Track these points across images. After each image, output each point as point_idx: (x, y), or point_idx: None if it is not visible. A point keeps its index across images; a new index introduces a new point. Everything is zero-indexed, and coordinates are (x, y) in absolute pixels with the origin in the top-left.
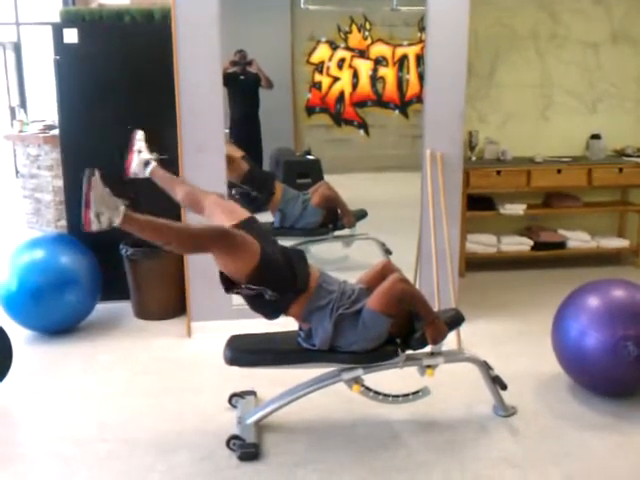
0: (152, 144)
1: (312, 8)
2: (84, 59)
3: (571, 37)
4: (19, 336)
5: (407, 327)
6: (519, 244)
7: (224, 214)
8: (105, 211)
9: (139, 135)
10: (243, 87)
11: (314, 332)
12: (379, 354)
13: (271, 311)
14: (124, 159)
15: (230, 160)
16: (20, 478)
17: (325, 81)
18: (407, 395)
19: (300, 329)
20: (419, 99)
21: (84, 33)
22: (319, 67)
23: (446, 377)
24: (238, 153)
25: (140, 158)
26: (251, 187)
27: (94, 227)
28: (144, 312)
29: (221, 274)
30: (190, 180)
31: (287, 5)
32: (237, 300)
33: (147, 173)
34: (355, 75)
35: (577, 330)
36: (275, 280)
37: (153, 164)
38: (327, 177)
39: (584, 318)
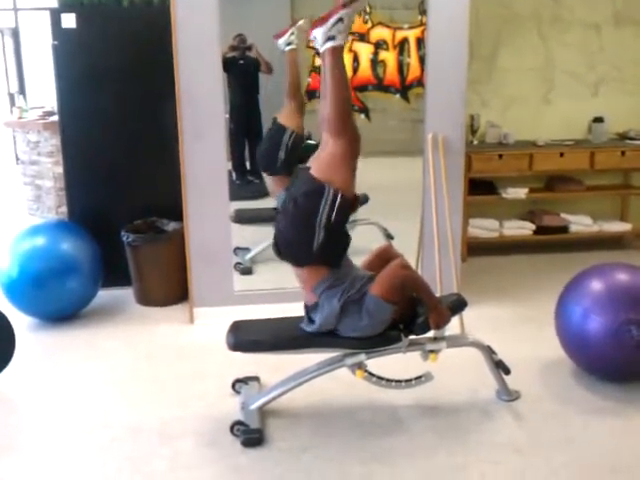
0: (151, 129)
1: None
2: (82, 44)
3: (573, 19)
4: (21, 323)
5: (410, 312)
6: (521, 228)
7: None
8: (346, 23)
9: (360, 6)
10: (243, 72)
11: (320, 307)
12: (382, 339)
13: (298, 253)
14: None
15: (299, 102)
16: (23, 465)
17: None
18: (410, 380)
19: (306, 302)
20: (420, 83)
21: (82, 18)
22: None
23: (449, 362)
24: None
25: (336, 27)
26: (289, 148)
27: (324, 28)
28: (146, 298)
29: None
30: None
31: None
32: (240, 286)
33: (325, 47)
34: (355, 59)
35: (580, 314)
36: (336, 229)
37: (340, 42)
38: None
39: (587, 302)
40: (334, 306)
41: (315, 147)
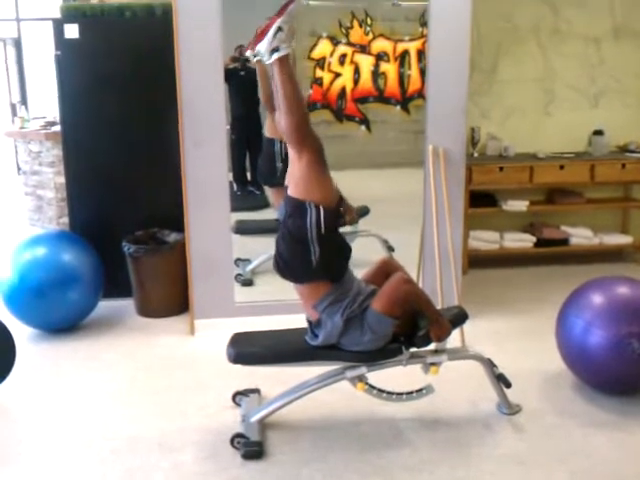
0: (153, 140)
1: (313, 3)
2: (85, 54)
3: (573, 32)
4: (21, 334)
5: (411, 325)
6: (522, 241)
7: None
8: (286, 31)
9: (297, 6)
10: (243, 83)
11: (323, 324)
12: (383, 352)
13: (297, 270)
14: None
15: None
16: (23, 477)
17: (326, 77)
18: (411, 393)
19: (308, 320)
20: (420, 95)
21: (85, 28)
22: (320, 63)
23: (450, 375)
24: None
25: (277, 37)
26: (285, 158)
27: (264, 42)
28: (147, 310)
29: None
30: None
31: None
32: (240, 297)
33: (272, 59)
34: (356, 71)
35: (581, 327)
36: (330, 239)
37: (285, 52)
38: None
39: (588, 315)
40: (336, 322)
41: None
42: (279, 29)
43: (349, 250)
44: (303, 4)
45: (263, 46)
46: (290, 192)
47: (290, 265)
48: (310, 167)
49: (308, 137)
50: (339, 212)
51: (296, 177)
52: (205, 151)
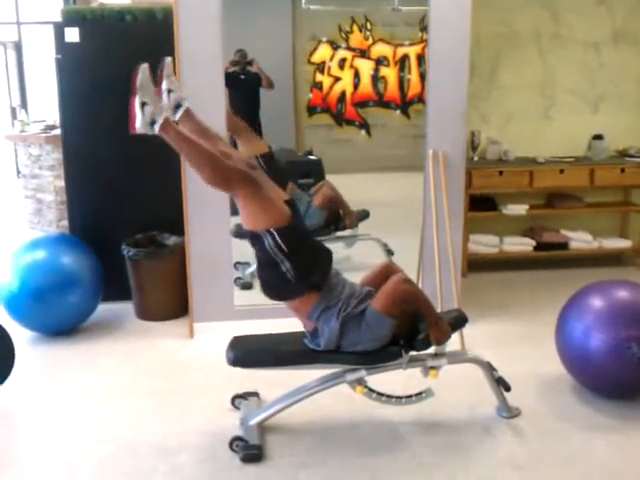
0: (153, 143)
1: (313, 8)
2: (85, 58)
3: (573, 37)
4: (21, 337)
5: (411, 328)
6: (521, 245)
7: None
8: (149, 102)
9: (169, 64)
10: (244, 87)
11: (320, 332)
12: (383, 355)
13: (279, 291)
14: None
15: (244, 128)
16: None
17: (326, 81)
18: (410, 396)
19: (305, 329)
20: (420, 99)
21: (85, 32)
22: (320, 67)
23: (450, 378)
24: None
25: (173, 98)
26: (267, 170)
27: (138, 122)
28: (146, 313)
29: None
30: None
31: (288, 5)
32: (239, 301)
33: (155, 132)
34: (356, 75)
35: (580, 331)
36: (297, 253)
37: (186, 105)
38: (329, 177)
39: (587, 319)
40: (333, 327)
41: (314, 162)
42: (143, 104)
43: (328, 254)
44: (146, 69)
45: (140, 125)
46: (243, 225)
47: (272, 286)
48: (248, 201)
49: (230, 179)
50: (295, 225)
51: (243, 213)
52: None
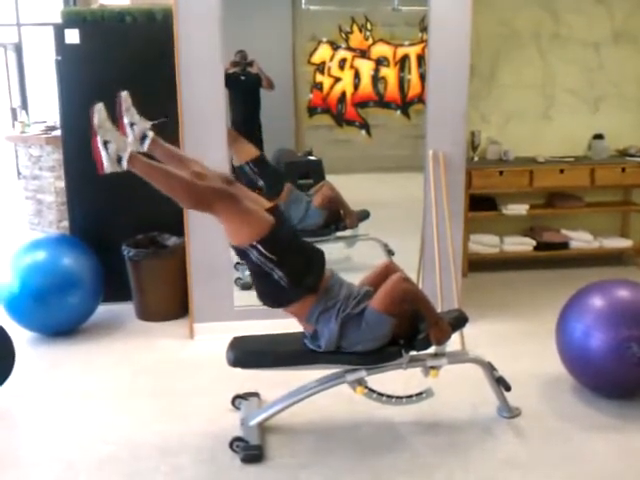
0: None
1: (313, 8)
2: (85, 60)
3: (573, 37)
4: (21, 337)
5: (411, 328)
6: (522, 244)
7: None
8: (112, 140)
9: (126, 98)
10: (244, 88)
11: (320, 334)
12: (383, 355)
13: (275, 298)
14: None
15: (234, 138)
16: None
17: (326, 81)
18: (411, 396)
19: (305, 331)
20: (420, 99)
21: (85, 34)
22: (320, 67)
23: (450, 378)
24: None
25: (137, 131)
26: (260, 174)
27: (105, 161)
28: (146, 313)
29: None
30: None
31: (288, 5)
32: (240, 301)
33: (125, 168)
34: (356, 75)
35: (581, 331)
36: (287, 259)
37: (151, 135)
38: (329, 178)
39: (588, 319)
40: (332, 328)
41: (314, 163)
42: (105, 143)
43: (320, 256)
44: (101, 109)
45: (107, 164)
46: (229, 241)
47: (267, 295)
48: (228, 217)
49: (206, 200)
50: (277, 231)
51: (225, 230)
52: (205, 155)
